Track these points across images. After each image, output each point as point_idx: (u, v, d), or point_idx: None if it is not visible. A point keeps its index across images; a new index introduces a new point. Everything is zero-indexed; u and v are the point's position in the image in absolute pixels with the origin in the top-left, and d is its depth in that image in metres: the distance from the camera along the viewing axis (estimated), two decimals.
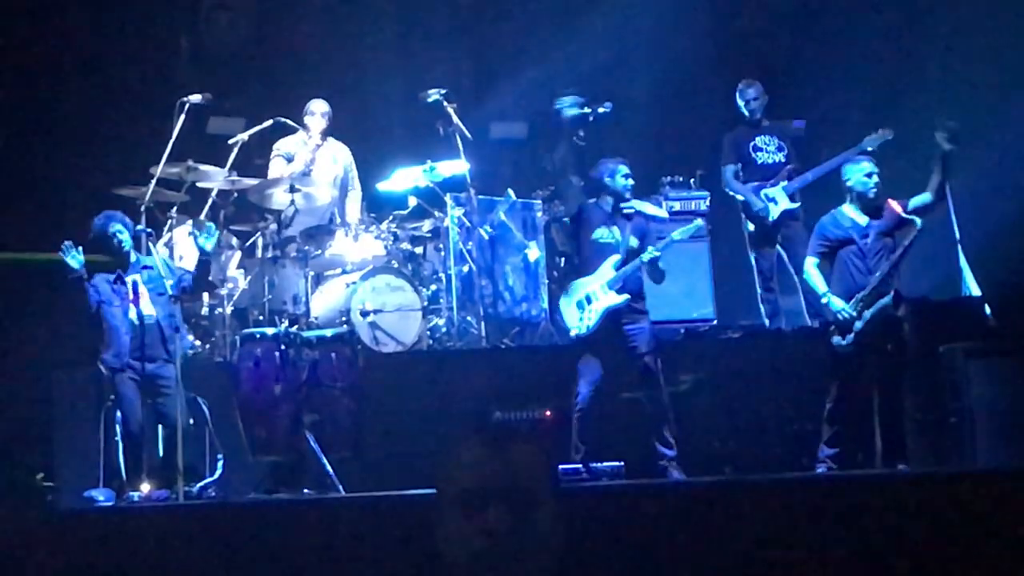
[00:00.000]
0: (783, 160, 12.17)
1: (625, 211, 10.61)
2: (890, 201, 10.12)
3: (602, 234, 10.44)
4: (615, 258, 10.32)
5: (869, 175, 10.15)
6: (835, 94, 13.73)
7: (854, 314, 9.87)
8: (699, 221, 10.95)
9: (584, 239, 10.56)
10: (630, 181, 10.59)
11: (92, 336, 10.28)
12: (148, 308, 10.07)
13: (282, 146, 12.68)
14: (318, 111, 12.73)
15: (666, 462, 10.04)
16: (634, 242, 10.37)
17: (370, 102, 14.85)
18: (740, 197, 12.18)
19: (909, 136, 11.91)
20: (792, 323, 11.88)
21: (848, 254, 10.09)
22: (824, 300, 10.07)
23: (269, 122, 12.46)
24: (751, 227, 12.20)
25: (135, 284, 10.09)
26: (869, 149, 11.84)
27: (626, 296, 10.22)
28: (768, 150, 12.29)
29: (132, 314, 10.02)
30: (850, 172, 10.27)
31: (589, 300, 10.29)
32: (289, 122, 12.56)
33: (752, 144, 12.31)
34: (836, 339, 9.95)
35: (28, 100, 13.54)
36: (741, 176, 12.28)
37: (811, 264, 10.25)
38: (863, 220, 10.07)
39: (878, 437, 9.94)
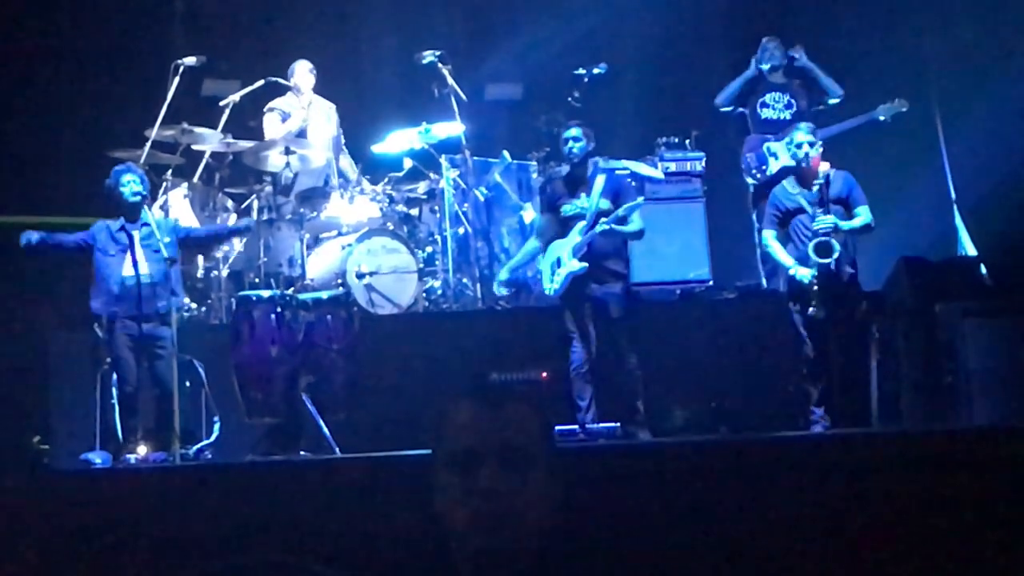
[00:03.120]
0: (789, 118, 12.11)
1: (600, 171, 10.59)
2: (819, 162, 10.15)
3: (567, 208, 10.36)
4: (582, 224, 10.26)
5: (799, 145, 10.18)
6: (837, 49, 13.65)
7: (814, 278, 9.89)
8: (640, 199, 10.82)
9: (555, 213, 10.49)
10: (572, 144, 10.43)
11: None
12: (143, 266, 10.01)
13: (276, 103, 12.63)
14: (304, 69, 12.71)
15: (634, 427, 10.02)
16: (605, 204, 10.24)
17: (365, 64, 14.82)
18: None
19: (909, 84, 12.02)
20: None
21: (798, 223, 10.09)
22: (792, 271, 10.04)
23: (261, 82, 12.46)
24: (751, 181, 12.18)
25: (131, 247, 10.04)
26: (881, 118, 11.86)
27: (584, 264, 10.12)
28: (775, 107, 12.27)
29: (127, 268, 9.97)
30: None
31: (559, 263, 10.26)
32: (281, 81, 12.56)
33: (760, 100, 12.30)
34: (811, 310, 9.93)
35: (22, 63, 13.49)
36: (747, 120, 12.30)
37: (770, 236, 10.25)
38: (808, 188, 10.09)
39: (874, 397, 10.01)
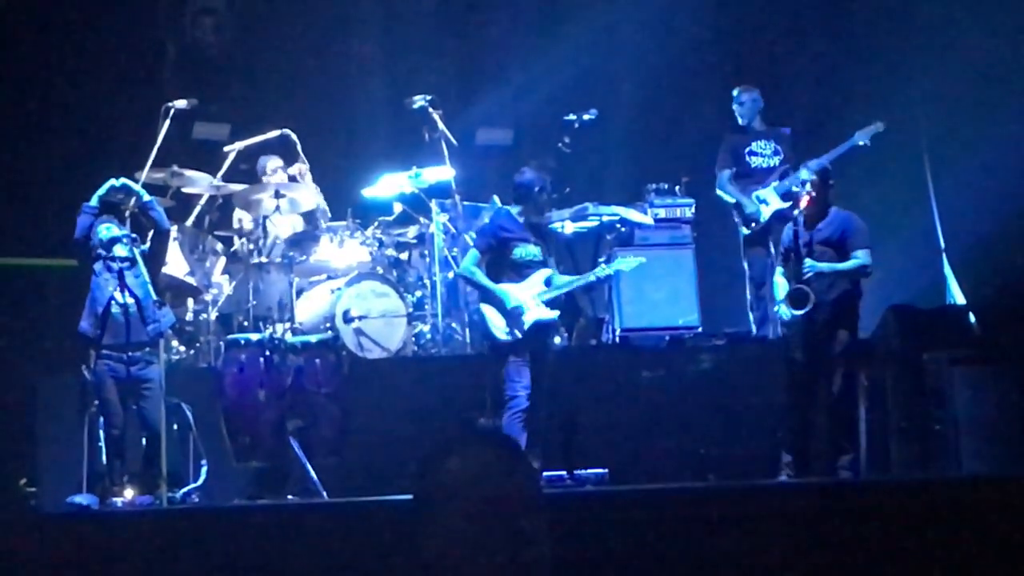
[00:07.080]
0: (778, 164, 12.22)
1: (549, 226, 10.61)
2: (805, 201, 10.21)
3: (521, 253, 10.26)
4: (547, 272, 10.21)
5: (804, 183, 10.30)
6: (824, 94, 13.73)
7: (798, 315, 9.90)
8: (642, 259, 10.98)
9: (504, 254, 10.32)
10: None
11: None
12: (128, 296, 9.88)
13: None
14: (273, 167, 12.54)
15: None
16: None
17: (356, 108, 14.84)
18: (731, 200, 12.19)
19: (898, 133, 12.08)
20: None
21: (793, 264, 10.14)
22: (775, 308, 10.12)
23: (275, 132, 12.39)
24: (745, 231, 12.21)
25: (120, 271, 9.89)
26: (861, 143, 11.94)
27: (556, 312, 10.22)
28: (764, 154, 12.34)
29: (116, 293, 9.81)
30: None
31: (520, 311, 10.14)
32: (293, 136, 12.41)
33: (748, 149, 12.37)
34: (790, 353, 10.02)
35: (12, 105, 13.49)
36: (734, 182, 12.32)
37: (779, 274, 10.35)
38: (809, 228, 10.12)
39: (863, 445, 10.02)
